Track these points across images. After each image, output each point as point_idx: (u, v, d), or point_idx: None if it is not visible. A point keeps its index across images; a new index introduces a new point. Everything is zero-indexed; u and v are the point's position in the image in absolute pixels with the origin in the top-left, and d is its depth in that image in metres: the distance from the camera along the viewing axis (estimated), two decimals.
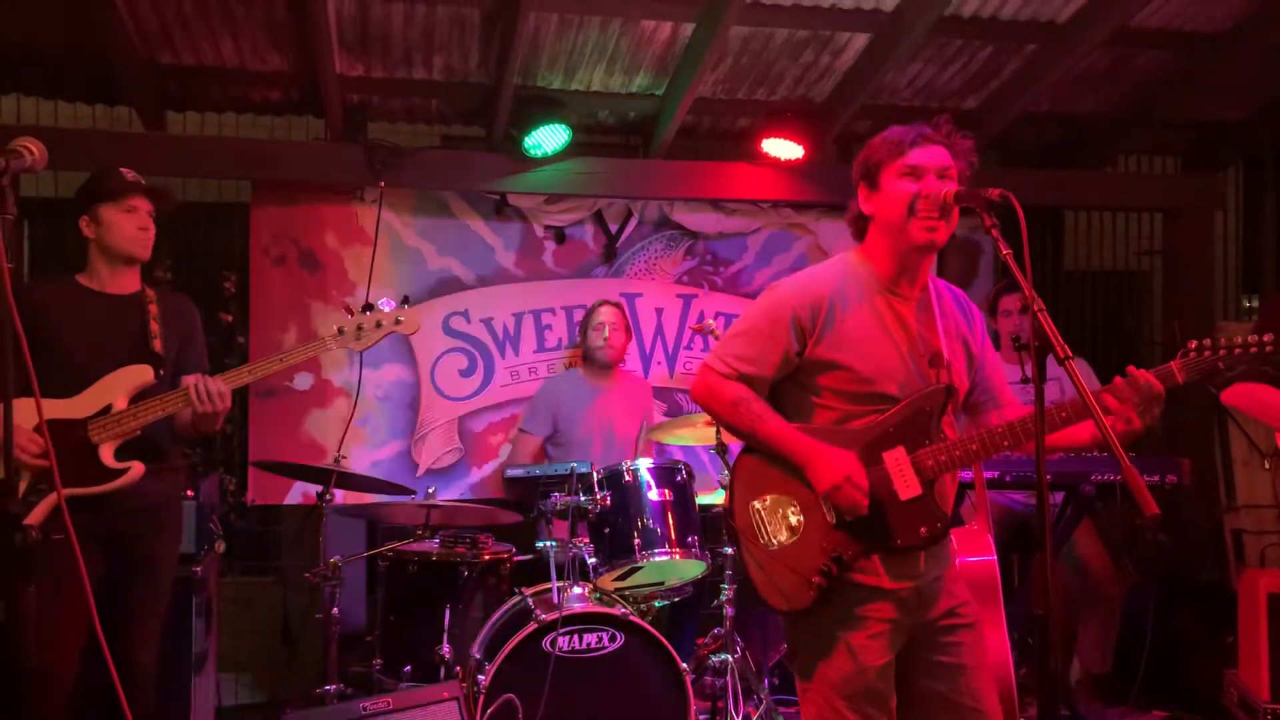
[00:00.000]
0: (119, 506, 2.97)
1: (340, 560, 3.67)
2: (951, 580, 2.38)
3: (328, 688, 3.58)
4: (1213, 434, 5.35)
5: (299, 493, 4.79)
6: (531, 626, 3.38)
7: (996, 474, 3.88)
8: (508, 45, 4.25)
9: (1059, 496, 4.02)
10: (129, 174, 3.13)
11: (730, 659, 3.75)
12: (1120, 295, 6.08)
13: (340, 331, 3.07)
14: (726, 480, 2.58)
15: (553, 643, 3.40)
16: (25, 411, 2.13)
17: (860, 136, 5.35)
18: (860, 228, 2.41)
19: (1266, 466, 5.12)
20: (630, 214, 5.17)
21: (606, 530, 3.72)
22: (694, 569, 3.82)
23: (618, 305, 4.69)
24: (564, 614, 3.39)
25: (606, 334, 4.57)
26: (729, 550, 3.81)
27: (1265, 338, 2.29)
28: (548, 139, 4.71)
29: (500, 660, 3.33)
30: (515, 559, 3.93)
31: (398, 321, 3.11)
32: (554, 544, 3.63)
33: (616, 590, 3.76)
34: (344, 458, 3.84)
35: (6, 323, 1.96)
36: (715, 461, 4.51)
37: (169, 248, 5.02)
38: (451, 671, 3.60)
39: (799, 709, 2.38)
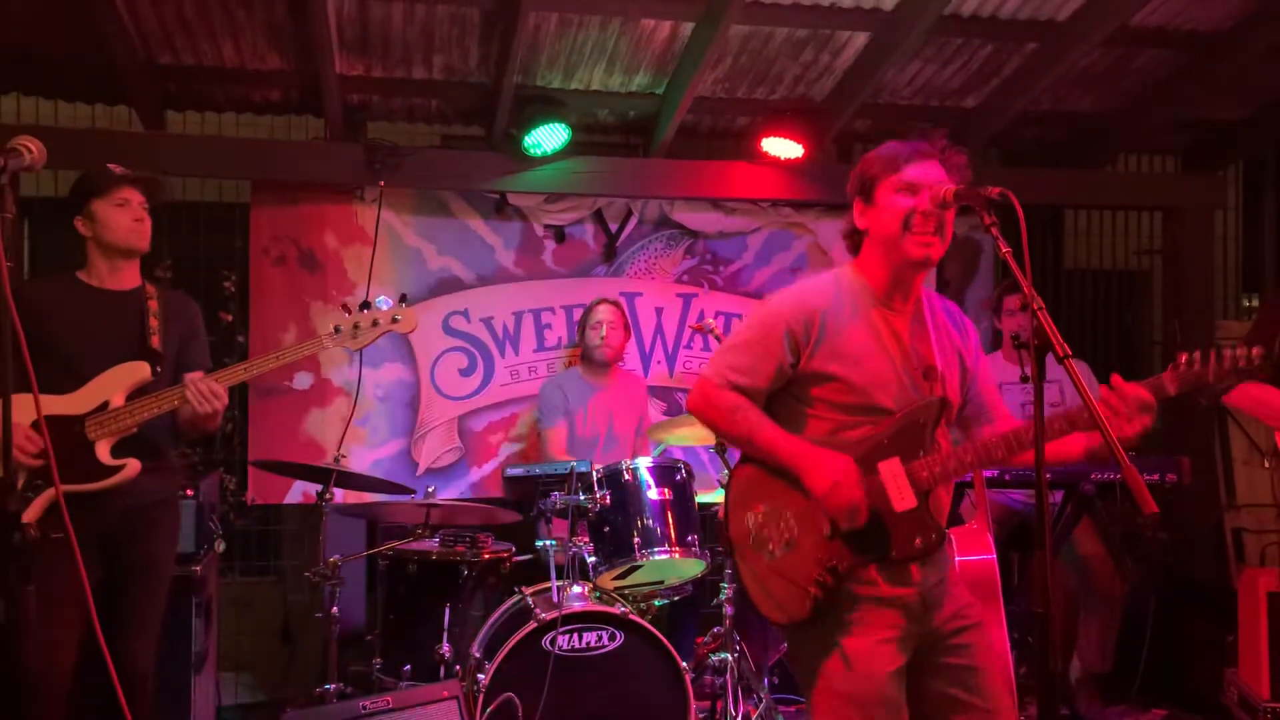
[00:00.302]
0: (115, 505, 2.95)
1: (340, 559, 3.67)
2: (953, 583, 2.39)
3: (328, 687, 3.58)
4: (1213, 433, 5.35)
5: (299, 492, 4.79)
6: (531, 625, 3.39)
7: (996, 473, 3.88)
8: (507, 44, 4.25)
9: (1059, 495, 4.02)
10: (117, 168, 3.11)
11: (730, 658, 3.75)
12: (1120, 294, 6.08)
13: (336, 330, 3.05)
14: (725, 480, 2.58)
15: (552, 641, 3.40)
16: (22, 408, 2.11)
17: (860, 135, 5.37)
18: (855, 242, 2.42)
19: (1266, 465, 5.12)
20: (630, 213, 5.18)
21: (606, 529, 3.72)
22: (693, 568, 3.83)
23: (616, 304, 4.69)
24: (564, 613, 3.40)
25: (604, 333, 4.57)
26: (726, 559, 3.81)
27: (1254, 351, 2.28)
28: (547, 138, 4.71)
29: (500, 659, 3.33)
30: (515, 558, 3.93)
31: (394, 320, 3.09)
32: (553, 543, 3.63)
33: (616, 589, 3.76)
34: (344, 457, 3.84)
35: (5, 321, 1.97)
36: (715, 461, 4.51)
37: (169, 247, 5.02)
38: (451, 670, 3.60)
39: (808, 702, 2.36)
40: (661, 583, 3.87)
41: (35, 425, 2.72)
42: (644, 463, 3.83)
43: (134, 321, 3.09)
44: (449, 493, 4.89)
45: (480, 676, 3.35)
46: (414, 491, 4.04)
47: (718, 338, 4.08)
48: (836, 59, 4.63)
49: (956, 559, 3.31)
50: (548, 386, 4.73)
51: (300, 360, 4.63)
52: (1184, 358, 2.28)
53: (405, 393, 4.97)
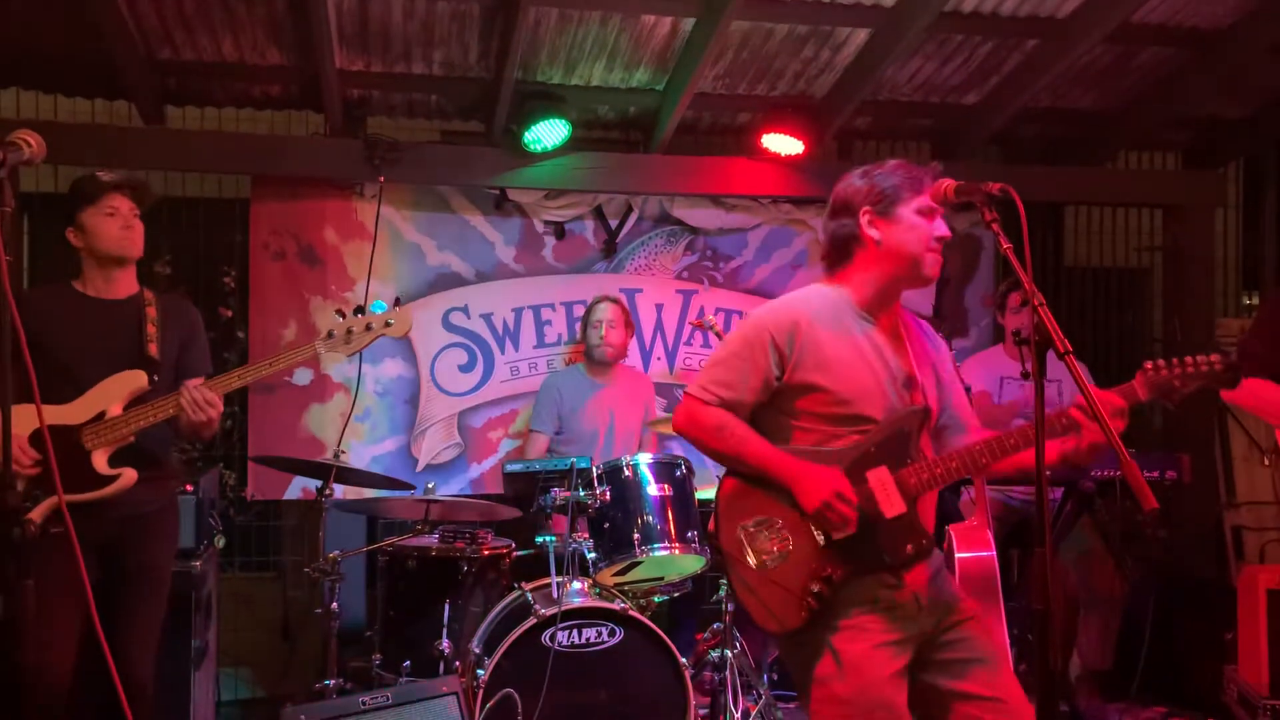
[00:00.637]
0: (112, 514, 2.93)
1: (340, 555, 3.67)
2: (946, 580, 2.42)
3: (327, 682, 3.58)
4: (1213, 430, 5.35)
5: (298, 488, 4.79)
6: (531, 621, 3.39)
7: None
8: (507, 40, 4.24)
9: (1058, 492, 4.02)
10: (105, 175, 3.07)
11: (729, 654, 3.75)
12: (1121, 292, 6.07)
13: (329, 335, 3.01)
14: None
15: (552, 638, 3.40)
16: (20, 419, 2.09)
17: (860, 132, 5.37)
18: (847, 251, 2.42)
19: (1266, 463, 5.12)
20: (630, 209, 5.17)
21: (606, 525, 3.72)
22: (693, 564, 3.82)
23: (617, 301, 4.69)
24: (563, 609, 3.40)
25: (603, 332, 4.57)
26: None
27: (1213, 358, 2.39)
28: (547, 134, 4.71)
29: (500, 655, 3.34)
30: (515, 554, 3.94)
31: (387, 324, 3.03)
32: (553, 539, 3.63)
33: (616, 585, 3.76)
34: (343, 453, 3.83)
35: (5, 316, 1.96)
36: None
37: (169, 243, 5.03)
38: (451, 666, 3.61)
39: (807, 707, 2.36)
40: (661, 579, 3.87)
41: (34, 435, 2.71)
42: (644, 459, 3.82)
43: (131, 330, 3.07)
44: (449, 489, 4.89)
45: (480, 672, 3.35)
46: (414, 487, 4.04)
47: (718, 334, 4.08)
48: (837, 55, 4.63)
49: (957, 556, 3.33)
50: (546, 386, 4.73)
51: (290, 366, 4.66)
52: (1150, 365, 2.36)
53: (405, 389, 4.97)
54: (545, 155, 4.82)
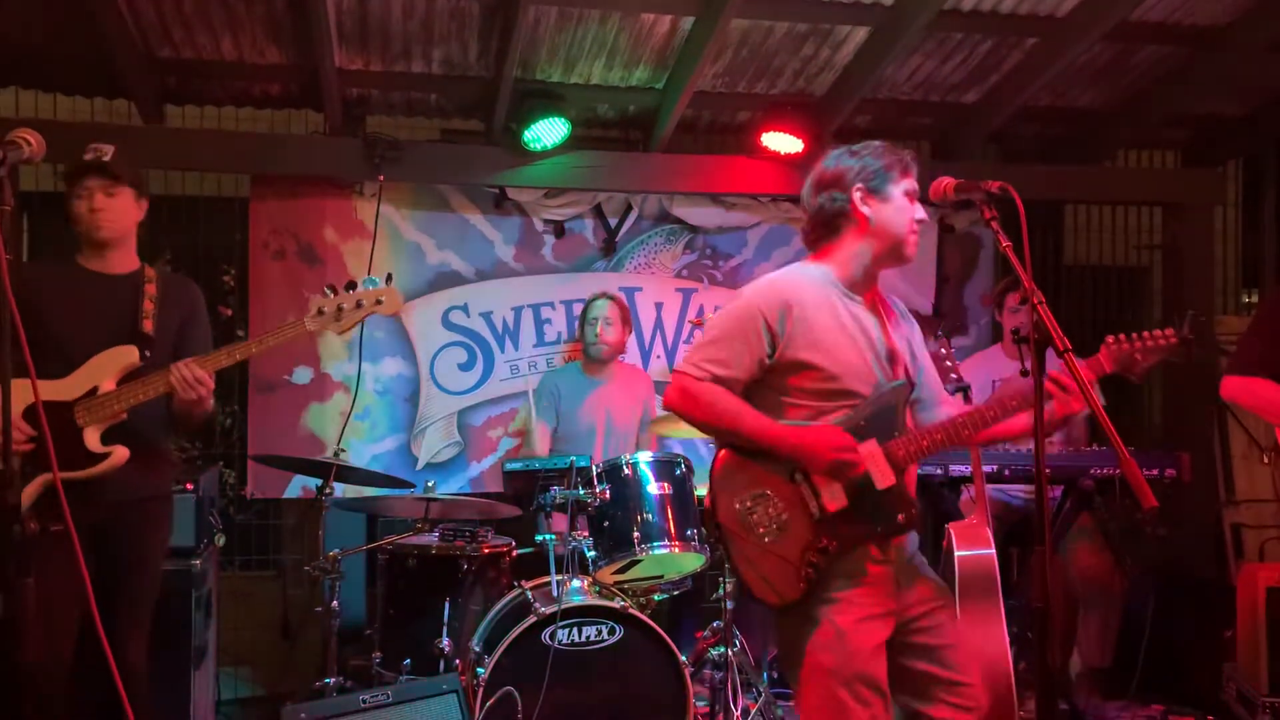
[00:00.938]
0: (107, 499, 2.88)
1: (339, 554, 3.67)
2: (921, 565, 2.52)
3: (327, 681, 3.58)
4: (1212, 429, 5.35)
5: (298, 486, 4.79)
6: (531, 620, 3.39)
7: (995, 468, 3.88)
8: (507, 38, 4.24)
9: (1058, 490, 4.02)
10: (87, 153, 3.01)
11: (729, 652, 3.75)
12: (1120, 290, 6.07)
13: (320, 312, 2.96)
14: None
15: (552, 636, 3.40)
16: (14, 393, 2.08)
17: (860, 131, 5.35)
18: (835, 227, 2.48)
19: (1265, 461, 5.12)
20: (630, 208, 5.17)
21: (606, 524, 3.72)
22: (693, 562, 3.83)
23: (614, 299, 4.69)
24: (563, 607, 3.40)
25: (599, 330, 4.57)
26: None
27: (1168, 332, 2.54)
28: (547, 133, 4.71)
29: (500, 653, 3.34)
30: (515, 552, 3.94)
31: (378, 302, 2.96)
32: (553, 537, 3.63)
33: (616, 583, 3.76)
34: (343, 451, 3.84)
35: (4, 314, 1.96)
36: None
37: (169, 242, 5.02)
38: (451, 664, 3.61)
39: (794, 702, 2.43)
40: (661, 577, 3.88)
41: (28, 410, 2.64)
42: (644, 457, 3.83)
43: (127, 305, 3.02)
44: (448, 487, 4.89)
45: (480, 671, 3.35)
46: (413, 486, 4.04)
47: None
48: (837, 54, 4.63)
49: (956, 554, 3.33)
50: (544, 382, 4.74)
51: (293, 349, 4.65)
52: (1112, 339, 2.49)
53: (405, 387, 4.97)
54: (545, 154, 4.82)
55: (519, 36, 4.18)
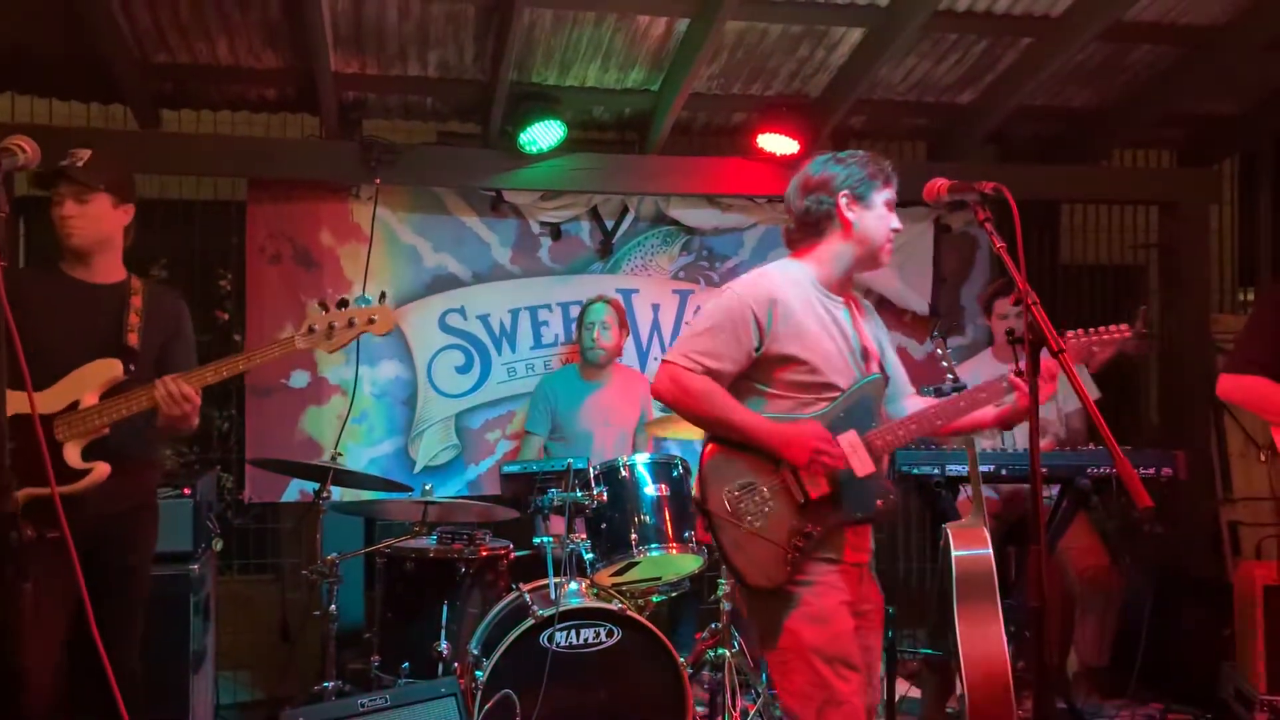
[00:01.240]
0: (88, 512, 2.75)
1: (338, 557, 3.67)
2: (871, 567, 2.74)
3: (326, 685, 3.58)
4: (1209, 427, 5.36)
5: (296, 490, 4.79)
6: (529, 622, 3.39)
7: (992, 468, 3.89)
8: (503, 41, 4.24)
9: (1055, 490, 4.02)
10: (66, 161, 2.89)
11: (728, 654, 3.76)
12: (1117, 289, 6.08)
13: (311, 330, 2.90)
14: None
15: (550, 638, 3.40)
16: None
17: (856, 131, 5.37)
18: (819, 229, 2.62)
19: (1262, 459, 5.13)
20: (626, 210, 5.18)
21: (603, 526, 3.72)
22: (691, 564, 3.83)
23: (612, 303, 4.69)
24: (561, 610, 3.40)
25: (595, 334, 4.58)
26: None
27: (1123, 327, 2.71)
28: (543, 135, 4.71)
29: (498, 656, 3.34)
30: (512, 555, 3.94)
31: (370, 321, 2.91)
32: (551, 540, 3.63)
33: (614, 586, 3.76)
34: (340, 455, 3.84)
35: (0, 322, 1.95)
36: None
37: (164, 247, 5.02)
38: (449, 668, 3.61)
39: (773, 670, 2.58)
40: (659, 579, 3.88)
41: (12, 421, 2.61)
42: (641, 459, 3.83)
43: (111, 316, 2.95)
44: (446, 490, 4.89)
45: (478, 674, 3.35)
46: (411, 489, 4.05)
47: None
48: (831, 54, 4.64)
49: (954, 554, 3.34)
50: (540, 387, 4.74)
51: (278, 359, 4.63)
52: (1070, 334, 2.61)
53: (402, 390, 4.97)
54: (541, 156, 4.82)
55: (514, 39, 4.18)
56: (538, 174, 4.89)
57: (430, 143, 5.18)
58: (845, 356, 2.59)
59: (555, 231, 5.12)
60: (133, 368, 2.90)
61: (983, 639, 3.26)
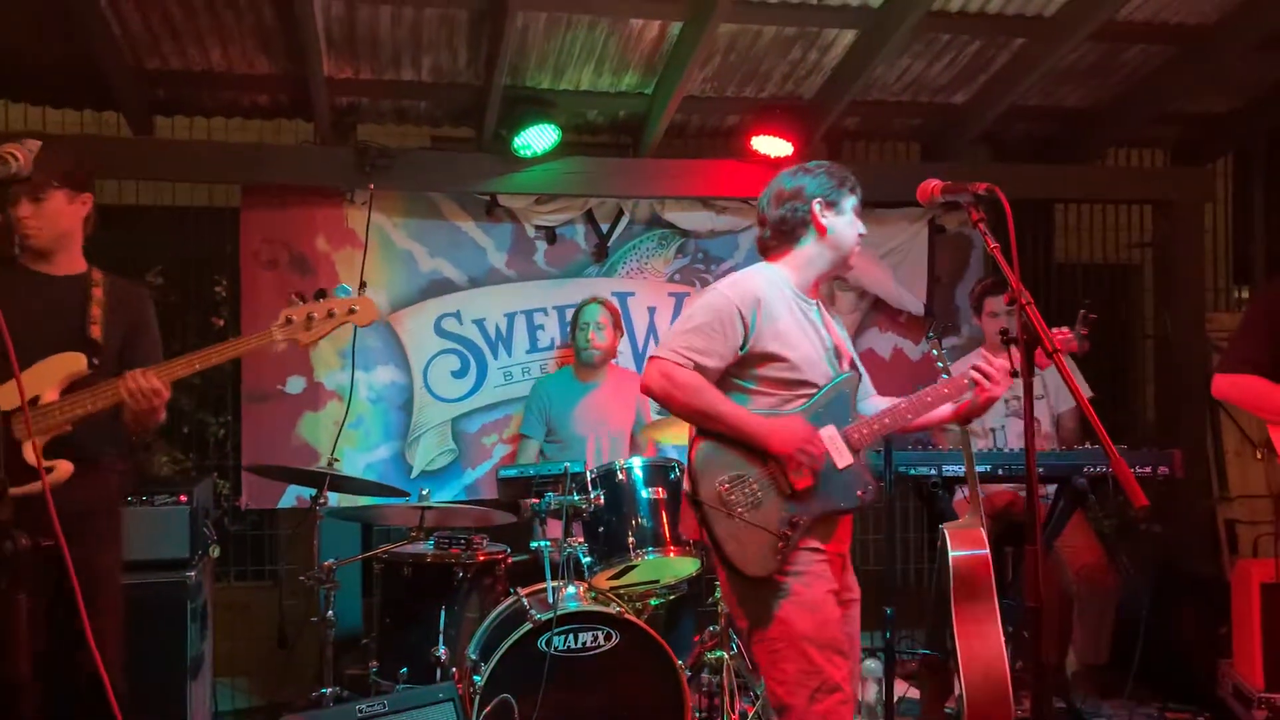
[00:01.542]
0: (46, 515, 2.55)
1: (335, 563, 3.67)
2: (849, 558, 2.82)
3: (324, 690, 3.58)
4: (1205, 425, 5.37)
5: (293, 496, 4.78)
6: (527, 627, 3.38)
7: (989, 468, 3.89)
8: (496, 45, 4.25)
9: (1052, 489, 4.02)
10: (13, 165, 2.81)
11: (726, 656, 3.76)
12: (1112, 288, 6.09)
13: (288, 321, 2.80)
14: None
15: (548, 642, 3.40)
16: None
17: (850, 133, 5.38)
18: (794, 236, 2.75)
19: (1259, 457, 5.14)
20: (621, 213, 5.17)
21: (601, 529, 3.72)
22: (688, 567, 3.83)
23: (605, 304, 4.69)
24: (559, 614, 3.40)
25: (590, 334, 4.58)
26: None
27: (1064, 330, 2.89)
28: (537, 139, 4.71)
29: (496, 661, 3.33)
30: (510, 559, 3.94)
31: (351, 311, 2.82)
32: (548, 544, 3.63)
33: (612, 589, 3.76)
34: (337, 461, 3.84)
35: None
36: None
37: (159, 253, 5.02)
38: (448, 673, 3.61)
39: (762, 661, 2.64)
40: (657, 582, 3.88)
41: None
42: (638, 462, 3.83)
43: (73, 309, 2.85)
44: (443, 495, 4.88)
45: (477, 678, 3.34)
46: (408, 494, 4.04)
47: None
48: (825, 56, 4.64)
49: (951, 555, 3.34)
50: (535, 391, 4.74)
51: (285, 358, 4.61)
52: (1011, 333, 2.68)
53: (398, 395, 4.96)
54: (535, 160, 4.82)
55: (508, 43, 4.18)
56: (532, 178, 4.89)
57: (424, 147, 5.18)
58: (821, 355, 2.72)
59: (550, 235, 5.12)
60: (96, 362, 2.81)
61: (981, 639, 3.26)
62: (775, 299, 2.67)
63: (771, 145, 4.86)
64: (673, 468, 3.86)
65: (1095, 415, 2.03)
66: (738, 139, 5.03)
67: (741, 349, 2.63)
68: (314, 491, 3.73)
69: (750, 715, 3.84)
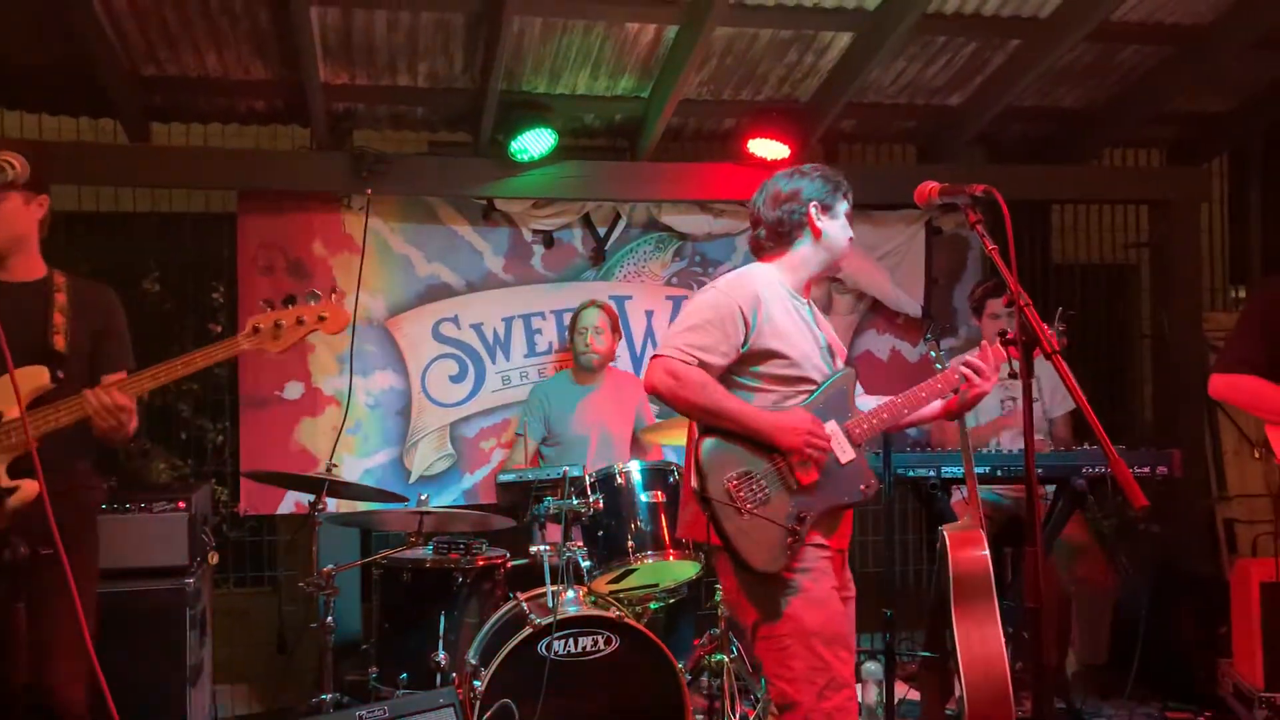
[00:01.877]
0: (18, 531, 2.53)
1: (334, 569, 3.67)
2: (847, 555, 2.82)
3: (324, 697, 3.58)
4: (1203, 425, 5.37)
5: (291, 502, 4.77)
6: (527, 631, 3.38)
7: (988, 469, 3.89)
8: (492, 50, 4.25)
9: (1050, 490, 4.02)
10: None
11: (726, 659, 3.75)
12: (1109, 288, 6.09)
13: (255, 330, 2.69)
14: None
15: (548, 647, 3.39)
16: None
17: (846, 135, 5.38)
18: (789, 238, 2.79)
19: (1257, 456, 5.14)
20: (618, 217, 5.18)
21: (600, 533, 3.73)
22: (688, 570, 3.83)
23: (603, 307, 4.69)
24: (559, 618, 3.39)
25: (589, 339, 4.57)
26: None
27: (1057, 328, 2.90)
28: (534, 143, 4.71)
29: (496, 665, 3.33)
30: (509, 564, 3.93)
31: (320, 319, 2.72)
32: (548, 548, 3.63)
33: (611, 593, 3.76)
34: (335, 466, 3.84)
35: None
36: None
37: (156, 259, 5.02)
38: (448, 678, 3.60)
39: (767, 659, 2.64)
40: (657, 585, 3.87)
41: None
42: (636, 466, 3.83)
43: (34, 317, 2.71)
44: (442, 500, 4.88)
45: (477, 683, 3.34)
46: (407, 499, 4.04)
47: None
48: (821, 59, 4.65)
49: (950, 556, 3.34)
50: (533, 393, 4.74)
51: (283, 363, 4.60)
52: (1010, 334, 2.68)
53: (396, 400, 4.96)
54: (532, 164, 4.82)
55: (504, 48, 4.19)
56: (529, 182, 4.89)
57: (421, 152, 5.18)
58: (817, 352, 2.76)
59: (548, 239, 5.12)
60: (60, 374, 2.68)
61: (981, 640, 3.26)
62: (773, 298, 2.71)
63: (768, 148, 4.86)
64: (671, 471, 3.86)
65: (1095, 416, 2.03)
66: (734, 142, 5.04)
67: (743, 346, 2.66)
68: (312, 497, 3.73)
69: (751, 718, 3.84)
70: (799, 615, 2.60)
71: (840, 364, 2.85)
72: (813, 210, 2.77)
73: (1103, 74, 4.95)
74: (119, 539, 3.64)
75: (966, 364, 2.79)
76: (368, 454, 4.91)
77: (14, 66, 4.42)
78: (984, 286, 4.62)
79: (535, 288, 5.11)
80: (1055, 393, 4.49)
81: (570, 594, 3.57)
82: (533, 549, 3.69)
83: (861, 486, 2.72)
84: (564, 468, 3.75)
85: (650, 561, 3.68)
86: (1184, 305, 5.47)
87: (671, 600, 4.03)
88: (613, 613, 3.52)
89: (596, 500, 3.67)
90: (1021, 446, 2.73)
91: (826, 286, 5.25)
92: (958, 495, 4.12)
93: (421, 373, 4.98)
